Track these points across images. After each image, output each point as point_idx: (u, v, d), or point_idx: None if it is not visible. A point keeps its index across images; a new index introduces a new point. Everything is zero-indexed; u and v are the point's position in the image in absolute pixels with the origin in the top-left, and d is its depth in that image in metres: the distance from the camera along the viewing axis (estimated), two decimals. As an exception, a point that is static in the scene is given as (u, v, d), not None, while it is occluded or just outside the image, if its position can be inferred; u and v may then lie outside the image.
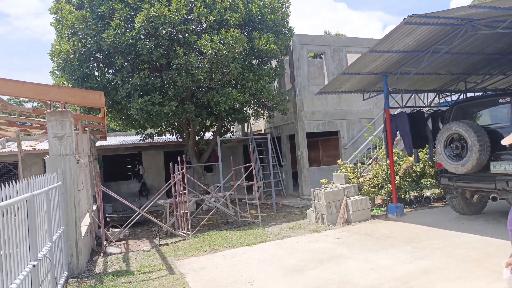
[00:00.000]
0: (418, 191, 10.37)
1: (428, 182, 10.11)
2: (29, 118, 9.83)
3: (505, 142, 2.93)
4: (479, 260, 5.47)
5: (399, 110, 10.50)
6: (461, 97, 10.54)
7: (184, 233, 9.04)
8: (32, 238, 3.76)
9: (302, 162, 14.50)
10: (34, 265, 3.56)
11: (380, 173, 10.09)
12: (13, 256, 3.08)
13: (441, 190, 10.17)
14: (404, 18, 6.56)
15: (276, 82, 15.84)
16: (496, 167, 6.92)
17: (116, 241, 9.09)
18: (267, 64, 13.37)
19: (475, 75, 10.20)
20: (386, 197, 9.79)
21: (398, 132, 9.76)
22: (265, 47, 11.81)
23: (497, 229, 7.01)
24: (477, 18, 6.88)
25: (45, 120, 8.06)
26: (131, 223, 9.45)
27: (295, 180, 15.72)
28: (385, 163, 9.93)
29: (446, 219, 8.25)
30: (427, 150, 9.86)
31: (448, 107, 8.61)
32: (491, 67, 9.90)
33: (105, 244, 8.47)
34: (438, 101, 11.37)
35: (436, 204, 10.16)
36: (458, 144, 7.30)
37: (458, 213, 8.44)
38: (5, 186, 3.19)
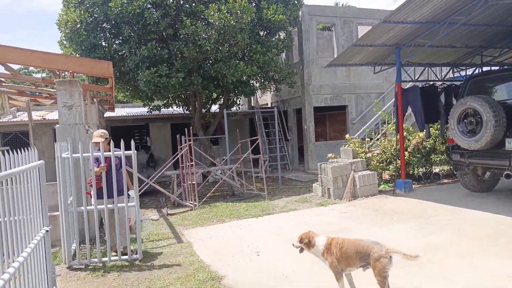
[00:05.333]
0: (427, 167, 10.30)
1: (438, 158, 10.02)
2: (39, 88, 9.82)
3: None
4: (490, 237, 5.38)
5: (411, 84, 10.29)
6: (476, 71, 10.29)
7: (191, 203, 9.11)
8: (45, 205, 3.77)
9: (309, 137, 14.43)
10: (47, 231, 3.57)
11: (389, 148, 9.99)
12: (27, 221, 3.10)
13: (451, 167, 10.10)
14: (422, -13, 6.32)
15: (284, 55, 15.58)
16: None
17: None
18: (275, 35, 13.08)
19: (492, 48, 9.89)
20: (394, 173, 9.74)
21: (409, 106, 9.59)
22: (274, 18, 11.52)
23: (509, 207, 6.93)
24: (498, -12, 6.61)
25: (54, 90, 8.03)
26: (140, 193, 9.50)
27: (301, 154, 15.70)
28: (394, 138, 9.82)
29: (456, 195, 8.18)
30: (438, 126, 9.72)
31: (462, 82, 8.41)
32: (510, 40, 9.55)
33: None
34: (452, 75, 11.12)
35: (445, 180, 10.10)
36: (472, 120, 7.13)
37: (468, 190, 8.36)
38: (18, 153, 3.17)
